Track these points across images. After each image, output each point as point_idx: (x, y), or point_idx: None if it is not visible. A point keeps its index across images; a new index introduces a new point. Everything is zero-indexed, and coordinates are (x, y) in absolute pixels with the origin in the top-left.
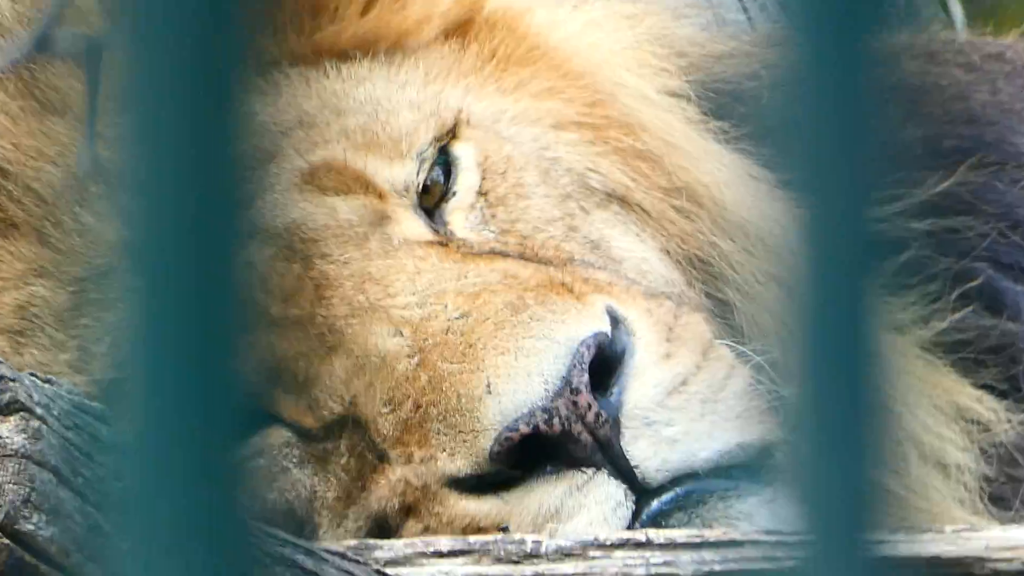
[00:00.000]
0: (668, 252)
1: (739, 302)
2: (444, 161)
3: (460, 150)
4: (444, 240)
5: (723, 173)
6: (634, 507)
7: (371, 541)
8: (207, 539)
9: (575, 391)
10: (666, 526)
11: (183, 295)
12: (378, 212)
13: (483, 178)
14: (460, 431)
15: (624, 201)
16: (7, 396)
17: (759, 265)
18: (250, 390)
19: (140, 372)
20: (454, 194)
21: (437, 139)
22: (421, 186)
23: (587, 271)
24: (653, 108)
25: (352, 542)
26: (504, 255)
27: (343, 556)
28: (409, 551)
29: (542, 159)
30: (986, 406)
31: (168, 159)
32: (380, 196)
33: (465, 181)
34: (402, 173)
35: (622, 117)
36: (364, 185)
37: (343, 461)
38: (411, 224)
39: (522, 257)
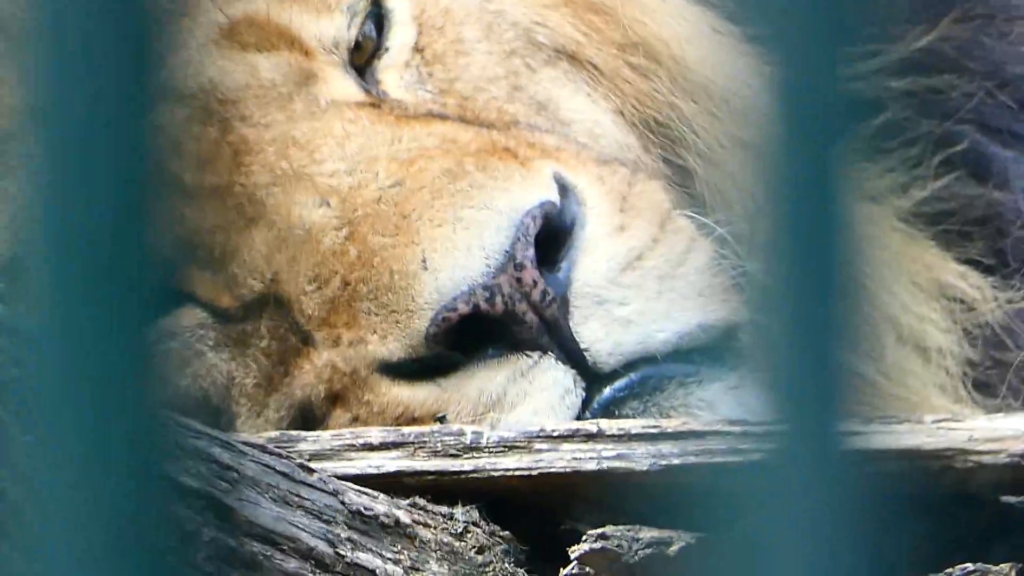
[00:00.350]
0: (623, 114)
1: (701, 169)
2: (377, 14)
3: (394, 2)
4: (376, 102)
5: (684, 27)
6: (584, 395)
7: (294, 433)
8: (114, 431)
9: (519, 266)
10: (620, 415)
11: (89, 162)
12: (304, 71)
13: (419, 33)
14: (393, 311)
15: (574, 58)
16: None
17: (723, 128)
18: (161, 266)
19: (41, 247)
20: (387, 50)
21: None
22: (353, 42)
23: (533, 135)
24: None
25: (273, 433)
26: (442, 118)
27: (263, 449)
28: (336, 443)
29: (484, 12)
30: (970, 283)
31: (73, 12)
32: (306, 53)
33: (399, 36)
34: (331, 28)
35: None
36: (289, 41)
37: (263, 344)
38: (340, 84)
39: (462, 120)
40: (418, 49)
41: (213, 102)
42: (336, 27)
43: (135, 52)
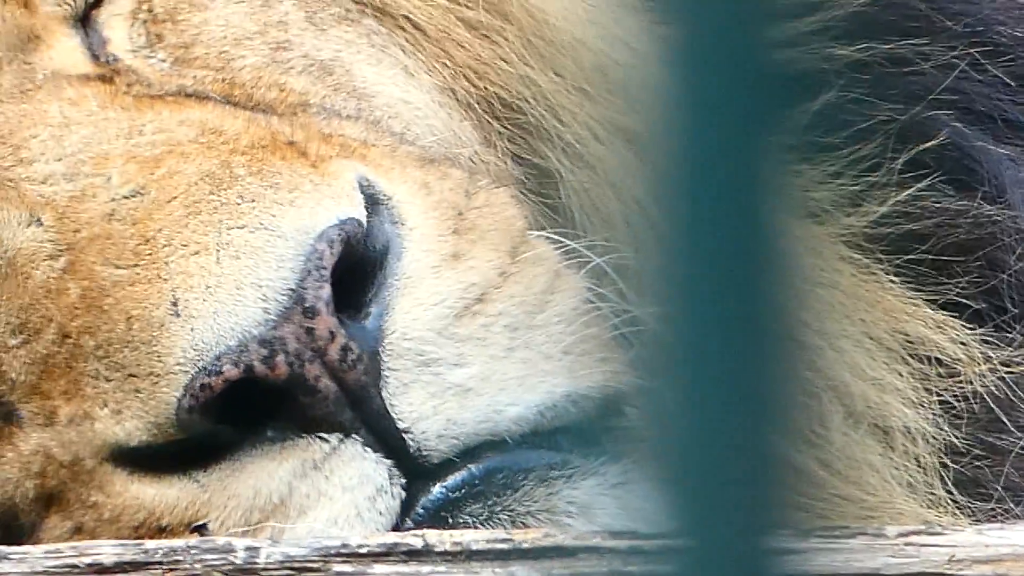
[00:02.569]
0: (454, 92)
1: (568, 171)
2: None
3: None
4: (107, 73)
5: None
6: (404, 495)
7: None
8: None
9: (311, 311)
10: (455, 524)
11: None
12: (23, 29)
13: None
14: (131, 374)
15: (384, 12)
16: None
17: (599, 112)
18: None
19: None
20: None
21: None
22: None
23: (330, 123)
24: None
25: None
26: (201, 98)
27: None
28: (52, 563)
29: None
30: (951, 336)
31: None
32: (26, 4)
33: None
34: None
35: None
36: None
37: None
38: (65, 47)
39: (229, 102)
40: None
41: None
42: None
43: None
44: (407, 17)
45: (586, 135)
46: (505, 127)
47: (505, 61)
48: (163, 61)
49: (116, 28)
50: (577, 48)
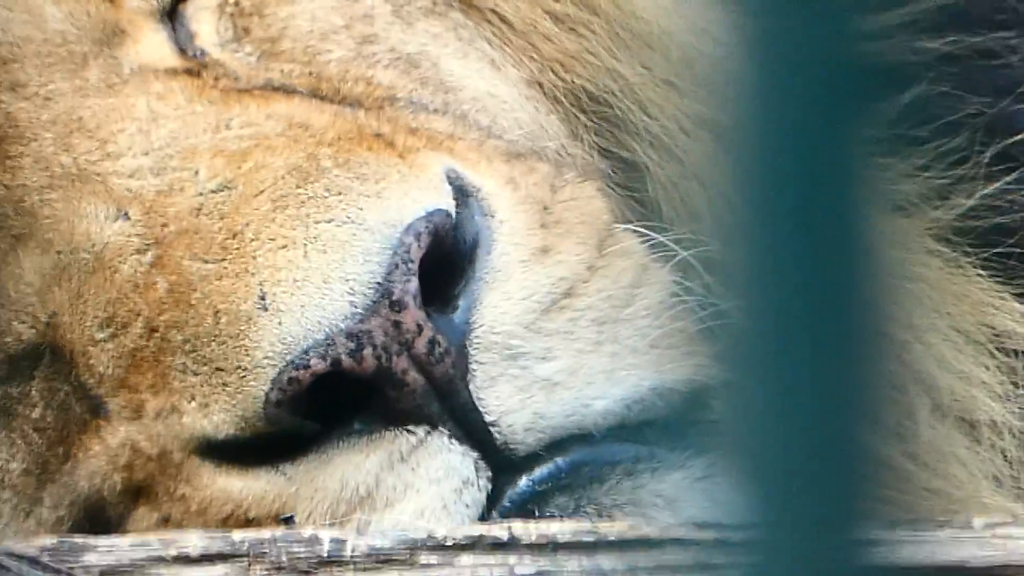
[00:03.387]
0: (541, 86)
1: (654, 165)
2: None
3: None
4: (195, 67)
5: None
6: (491, 487)
7: (79, 539)
8: None
9: (398, 305)
10: (541, 516)
11: None
12: (109, 23)
13: None
14: (218, 368)
15: (471, 5)
16: None
17: (686, 106)
18: None
19: None
20: None
21: None
22: None
23: (417, 116)
24: None
25: (50, 540)
26: (288, 92)
27: (34, 562)
28: (139, 555)
29: None
30: None
31: None
32: (111, 0)
33: None
34: None
35: None
36: None
37: (35, 415)
38: (152, 41)
39: (316, 95)
40: None
41: None
42: None
43: None
44: (494, 10)
45: (673, 128)
46: (592, 120)
47: (592, 54)
48: (250, 55)
49: (203, 22)
50: (664, 41)
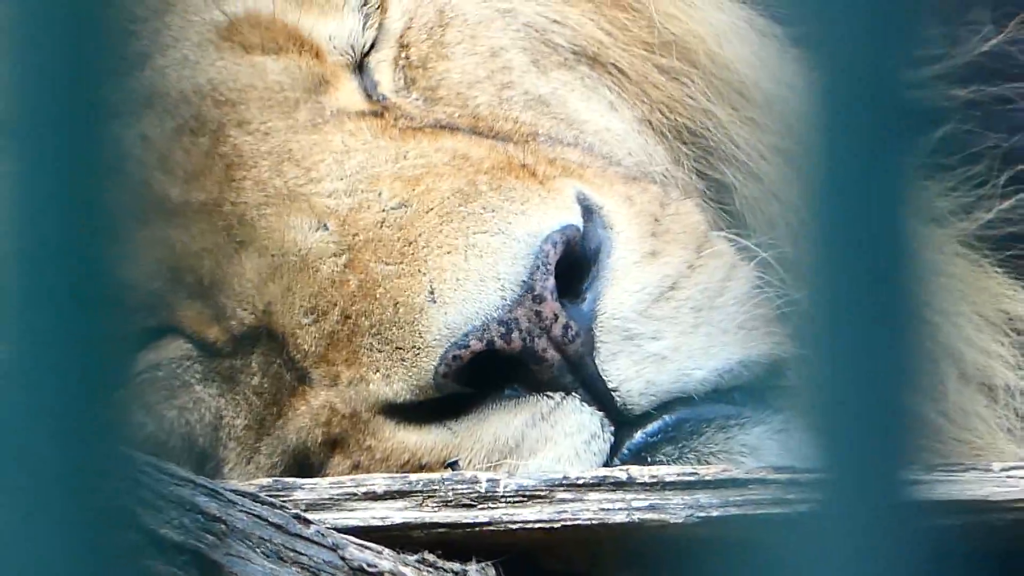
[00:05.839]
0: (651, 123)
1: (740, 184)
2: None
3: None
4: (380, 109)
5: (722, 23)
6: (612, 439)
7: (289, 480)
8: (85, 476)
9: (538, 298)
10: (652, 462)
11: (61, 179)
12: (316, 75)
13: (408, 27)
14: (398, 347)
15: (596, 61)
16: None
17: (765, 138)
18: (143, 294)
19: (10, 272)
20: (379, 43)
21: None
22: (369, 45)
23: (554, 149)
24: None
25: (266, 481)
26: (452, 129)
27: (255, 498)
28: (336, 492)
29: (487, 8)
30: None
31: (43, 10)
32: (317, 55)
33: (390, 28)
34: (343, 29)
35: None
36: (298, 42)
37: (255, 382)
38: (348, 89)
39: (475, 132)
40: (403, 46)
41: (208, 106)
42: (349, 28)
43: (113, 52)
44: (614, 64)
45: (755, 156)
46: (691, 150)
47: (691, 98)
48: (417, 100)
49: (383, 73)
50: (749, 87)
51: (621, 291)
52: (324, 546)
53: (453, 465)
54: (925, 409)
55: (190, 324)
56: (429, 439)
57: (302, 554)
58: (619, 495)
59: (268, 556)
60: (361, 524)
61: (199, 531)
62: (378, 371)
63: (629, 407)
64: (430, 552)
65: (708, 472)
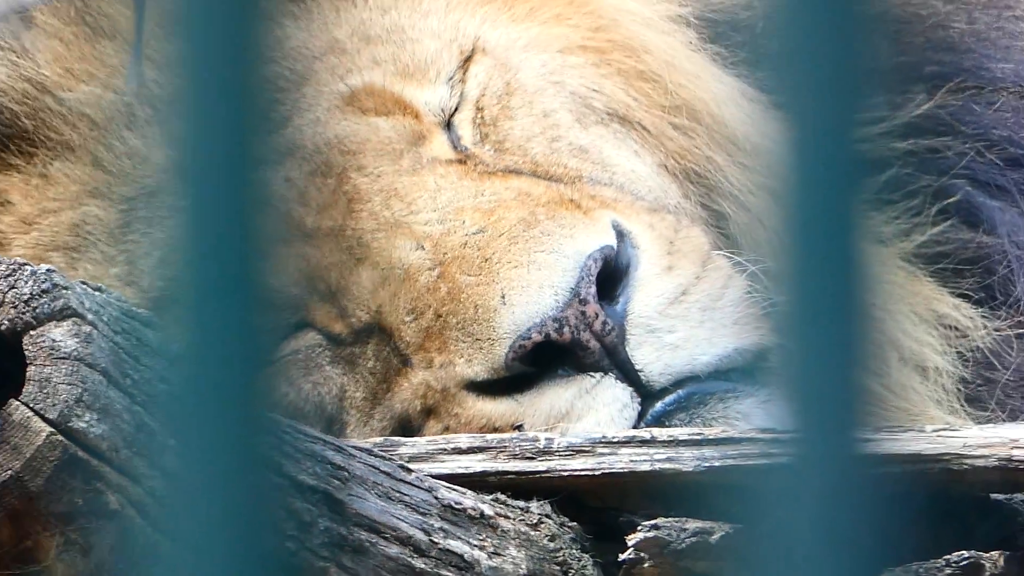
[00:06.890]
0: (666, 167)
1: (734, 213)
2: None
3: (472, 72)
4: (463, 158)
5: (721, 91)
6: (639, 408)
7: (395, 439)
8: (245, 437)
9: (583, 301)
10: (669, 425)
11: (226, 210)
12: (416, 132)
13: (482, 94)
14: (477, 339)
15: (625, 120)
16: (60, 303)
17: (753, 178)
18: (286, 298)
19: (186, 284)
20: (461, 106)
21: (460, 66)
22: (454, 108)
23: (594, 188)
24: (655, 31)
25: (378, 439)
26: (517, 173)
27: (370, 452)
28: (431, 448)
29: (542, 80)
30: (963, 313)
31: (210, 82)
32: (416, 117)
33: (469, 95)
34: (435, 96)
35: (625, 41)
36: (402, 107)
37: (370, 365)
38: (439, 142)
39: (534, 175)
40: (479, 108)
41: (335, 155)
42: (440, 96)
43: (264, 115)
44: (639, 122)
45: (745, 191)
46: (696, 188)
47: (697, 148)
48: (489, 150)
49: (464, 129)
50: (740, 139)
51: (645, 296)
52: (422, 488)
53: (519, 428)
54: (873, 384)
55: (321, 320)
56: (500, 408)
57: (405, 495)
58: (644, 450)
59: (380, 496)
60: (449, 472)
61: (328, 477)
62: (462, 357)
63: (651, 384)
64: (501, 493)
65: (711, 433)
